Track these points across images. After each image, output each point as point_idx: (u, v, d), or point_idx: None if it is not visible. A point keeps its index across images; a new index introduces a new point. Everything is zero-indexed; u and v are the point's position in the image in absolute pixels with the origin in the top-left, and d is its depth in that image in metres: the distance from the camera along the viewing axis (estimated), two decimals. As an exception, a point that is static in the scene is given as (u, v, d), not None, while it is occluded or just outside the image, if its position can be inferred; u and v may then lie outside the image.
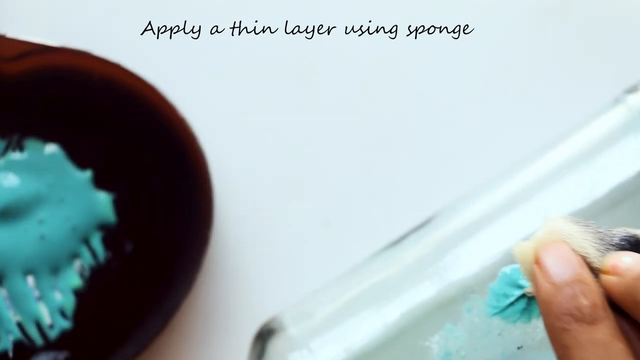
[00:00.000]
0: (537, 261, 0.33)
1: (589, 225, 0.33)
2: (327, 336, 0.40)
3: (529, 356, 0.38)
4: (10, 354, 0.46)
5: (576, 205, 0.39)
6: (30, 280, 0.47)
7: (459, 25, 0.49)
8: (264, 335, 0.41)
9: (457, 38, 0.49)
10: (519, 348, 0.38)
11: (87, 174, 0.47)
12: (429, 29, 0.49)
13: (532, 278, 0.33)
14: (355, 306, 0.40)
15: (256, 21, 0.49)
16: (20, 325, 0.46)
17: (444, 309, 0.39)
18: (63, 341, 0.46)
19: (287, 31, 0.49)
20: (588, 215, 0.39)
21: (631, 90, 0.41)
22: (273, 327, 0.41)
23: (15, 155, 0.47)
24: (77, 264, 0.47)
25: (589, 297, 0.31)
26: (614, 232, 0.33)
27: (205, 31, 0.49)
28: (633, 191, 0.39)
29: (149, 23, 0.49)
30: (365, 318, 0.40)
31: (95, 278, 0.47)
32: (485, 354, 0.38)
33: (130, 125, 0.47)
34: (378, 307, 0.40)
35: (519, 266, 0.33)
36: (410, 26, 0.49)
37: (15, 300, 0.46)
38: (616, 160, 0.39)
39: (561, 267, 0.32)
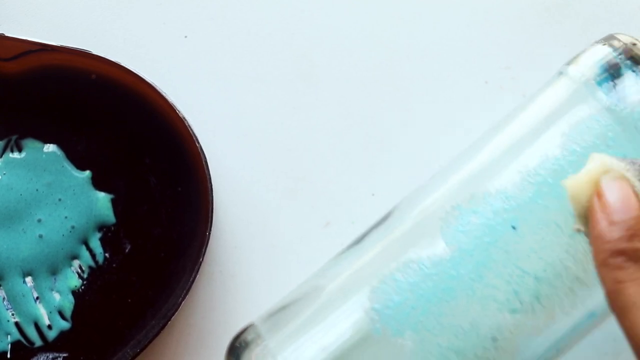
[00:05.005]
0: (599, 194, 0.32)
1: (634, 163, 0.33)
2: (303, 339, 0.40)
3: None
4: (9, 355, 0.46)
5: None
6: (29, 280, 0.47)
7: (459, 25, 0.49)
8: (238, 349, 0.41)
9: (457, 37, 0.49)
10: None
11: (86, 174, 0.47)
12: (428, 28, 0.49)
13: (589, 211, 0.33)
14: (328, 308, 0.40)
15: (256, 21, 0.49)
16: (18, 326, 0.46)
17: None
18: (62, 342, 0.46)
19: (287, 31, 0.49)
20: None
21: (571, 61, 0.41)
22: (246, 338, 0.41)
23: (14, 155, 0.47)
24: (76, 264, 0.47)
25: None
26: None
27: (205, 31, 0.49)
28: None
29: (149, 23, 0.49)
30: (340, 317, 0.40)
31: (94, 278, 0.47)
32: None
33: (130, 125, 0.47)
34: (350, 305, 0.40)
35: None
36: (410, 26, 0.49)
37: (14, 301, 0.46)
38: (568, 131, 0.39)
39: (623, 206, 0.32)
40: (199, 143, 0.46)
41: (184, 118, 0.46)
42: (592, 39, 0.47)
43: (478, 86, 0.48)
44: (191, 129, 0.46)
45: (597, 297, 0.38)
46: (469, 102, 0.48)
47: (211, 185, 0.46)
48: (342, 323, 0.39)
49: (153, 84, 0.46)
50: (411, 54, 0.49)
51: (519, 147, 0.40)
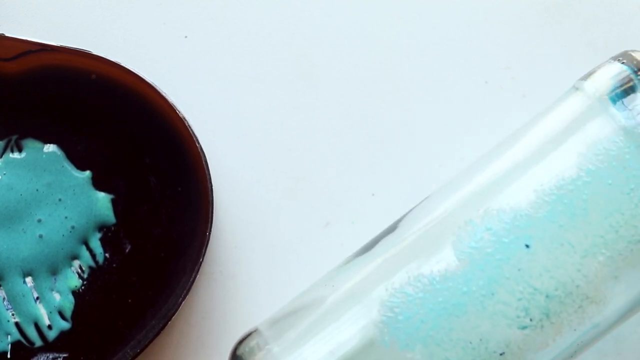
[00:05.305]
0: None
1: None
2: (308, 345, 0.40)
3: None
4: (9, 355, 0.46)
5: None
6: (29, 280, 0.46)
7: (459, 25, 0.49)
8: (241, 354, 0.41)
9: (457, 37, 0.49)
10: (501, 354, 0.38)
11: (86, 174, 0.47)
12: (428, 28, 0.49)
13: None
14: (334, 315, 0.40)
15: (256, 21, 0.49)
16: (18, 326, 0.46)
17: None
18: (62, 342, 0.46)
19: (287, 31, 0.49)
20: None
21: (586, 77, 0.41)
22: (250, 343, 0.41)
23: (14, 155, 0.47)
24: (76, 264, 0.47)
25: None
26: None
27: (205, 31, 0.49)
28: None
29: (149, 23, 0.49)
30: (346, 325, 0.40)
31: (94, 279, 0.47)
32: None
33: (130, 125, 0.47)
34: (358, 314, 0.40)
35: None
36: (410, 26, 0.49)
37: (14, 301, 0.46)
38: (584, 152, 0.39)
39: None
40: (199, 143, 0.46)
41: (184, 118, 0.46)
42: (592, 39, 0.47)
43: (478, 86, 0.48)
44: (191, 129, 0.46)
45: (605, 313, 0.38)
46: (469, 102, 0.48)
47: (211, 185, 0.46)
48: (349, 332, 0.39)
49: (153, 84, 0.46)
50: (411, 54, 0.49)
51: (533, 162, 0.40)
